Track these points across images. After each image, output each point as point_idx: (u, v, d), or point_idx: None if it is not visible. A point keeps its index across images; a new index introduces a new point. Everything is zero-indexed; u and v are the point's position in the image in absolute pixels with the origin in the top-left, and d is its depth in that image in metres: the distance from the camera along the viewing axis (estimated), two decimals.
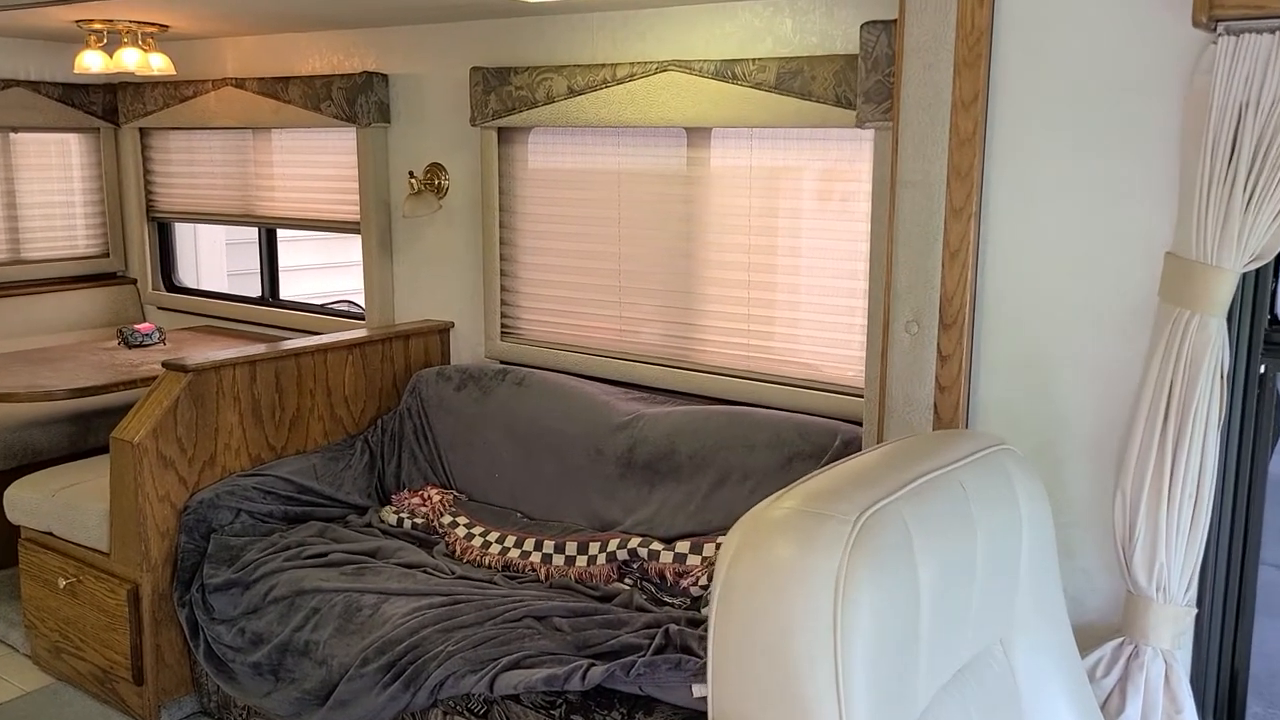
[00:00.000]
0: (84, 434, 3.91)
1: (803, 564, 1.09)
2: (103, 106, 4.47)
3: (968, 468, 1.33)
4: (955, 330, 1.77)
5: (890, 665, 1.13)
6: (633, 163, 3.16)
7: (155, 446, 2.90)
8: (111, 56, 3.61)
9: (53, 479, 3.28)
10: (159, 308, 4.56)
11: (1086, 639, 1.65)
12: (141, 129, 4.43)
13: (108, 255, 4.63)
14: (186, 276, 4.75)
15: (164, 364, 3.02)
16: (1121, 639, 1.63)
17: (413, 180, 3.52)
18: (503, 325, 3.51)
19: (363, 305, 3.90)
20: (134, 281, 4.64)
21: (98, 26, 3.56)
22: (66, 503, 3.13)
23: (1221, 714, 1.63)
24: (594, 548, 2.82)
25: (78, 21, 3.52)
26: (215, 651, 2.82)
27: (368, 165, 3.68)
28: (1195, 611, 1.63)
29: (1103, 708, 1.60)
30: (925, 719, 1.22)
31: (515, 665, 2.33)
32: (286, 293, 4.33)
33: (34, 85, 4.30)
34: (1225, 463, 1.60)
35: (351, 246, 3.97)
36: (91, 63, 3.61)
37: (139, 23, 3.57)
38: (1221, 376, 1.54)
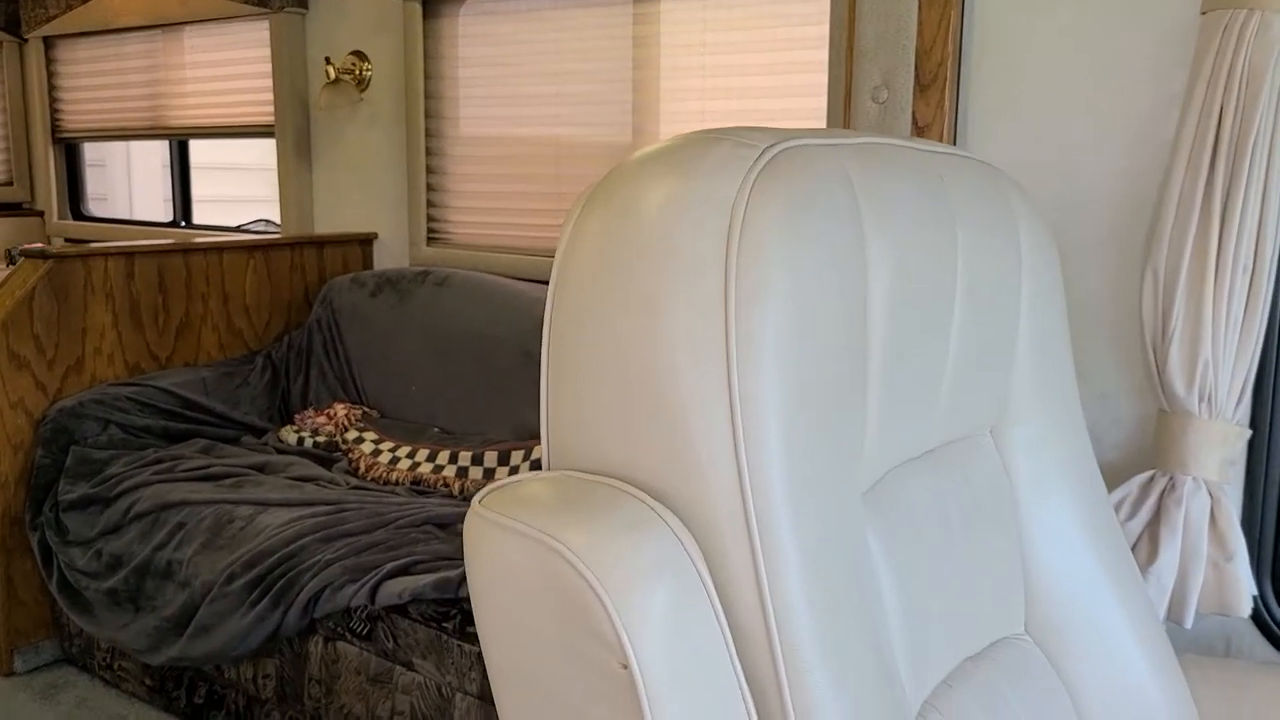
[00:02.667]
0: None
1: (681, 193, 0.68)
2: (5, 16, 4.06)
3: (950, 160, 0.93)
4: (935, 91, 1.38)
5: (818, 389, 0.71)
6: (572, 36, 2.76)
7: (5, 342, 2.48)
8: None
9: None
10: (65, 239, 4.14)
11: (1108, 481, 1.25)
12: (47, 40, 4.02)
13: (11, 184, 4.21)
14: (119, 207, 4.33)
15: (22, 250, 2.61)
16: (1152, 472, 1.23)
17: (329, 66, 3.12)
18: (429, 229, 3.10)
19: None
20: (41, 214, 4.22)
21: None
22: None
23: None
24: (516, 457, 2.41)
25: None
26: (69, 579, 2.40)
27: (282, 58, 3.28)
28: (1249, 434, 1.24)
29: None
30: (880, 491, 0.81)
31: (403, 571, 1.92)
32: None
33: None
34: None
35: None
36: None
37: None
38: None
